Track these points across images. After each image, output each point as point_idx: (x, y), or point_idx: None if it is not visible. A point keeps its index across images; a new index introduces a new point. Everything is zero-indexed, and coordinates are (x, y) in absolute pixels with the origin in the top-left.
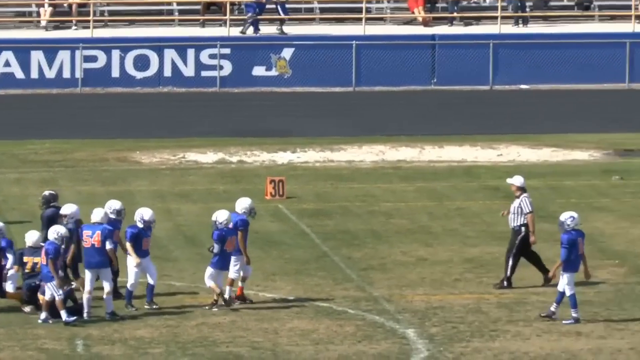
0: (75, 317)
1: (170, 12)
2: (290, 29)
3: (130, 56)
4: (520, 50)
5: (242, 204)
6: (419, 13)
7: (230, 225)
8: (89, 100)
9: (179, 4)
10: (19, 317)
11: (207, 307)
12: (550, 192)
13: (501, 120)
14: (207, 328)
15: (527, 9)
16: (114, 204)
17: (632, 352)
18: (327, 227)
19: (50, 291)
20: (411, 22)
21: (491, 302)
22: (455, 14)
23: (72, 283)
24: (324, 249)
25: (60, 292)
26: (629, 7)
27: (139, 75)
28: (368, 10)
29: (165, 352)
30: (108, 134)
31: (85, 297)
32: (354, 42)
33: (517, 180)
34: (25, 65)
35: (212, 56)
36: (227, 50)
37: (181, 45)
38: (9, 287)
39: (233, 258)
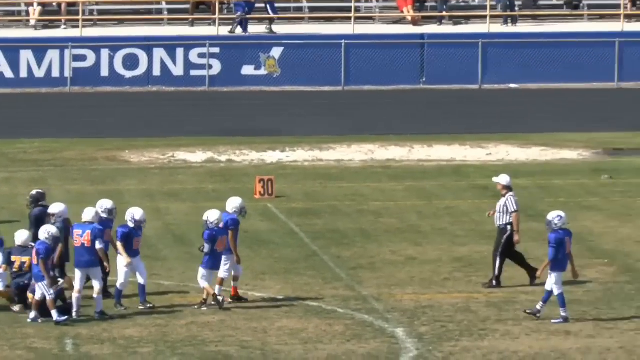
0: (66, 317)
1: (160, 12)
2: (280, 28)
3: (120, 55)
4: (510, 50)
5: (233, 203)
6: (408, 12)
7: (221, 225)
8: (78, 99)
9: (168, 3)
10: (8, 316)
11: (196, 307)
12: (539, 191)
13: (490, 120)
14: (196, 327)
15: (516, 8)
16: (105, 203)
17: (621, 351)
18: (316, 226)
19: (41, 291)
20: (400, 21)
21: (480, 301)
22: (444, 13)
23: (59, 280)
24: (313, 248)
25: (52, 291)
26: (618, 7)
27: (128, 74)
28: (357, 10)
29: (154, 351)
30: (97, 133)
31: (74, 296)
32: (343, 41)
33: (502, 179)
34: (14, 65)
35: (201, 55)
36: (216, 50)
37: (170, 45)
38: None
39: (223, 257)
